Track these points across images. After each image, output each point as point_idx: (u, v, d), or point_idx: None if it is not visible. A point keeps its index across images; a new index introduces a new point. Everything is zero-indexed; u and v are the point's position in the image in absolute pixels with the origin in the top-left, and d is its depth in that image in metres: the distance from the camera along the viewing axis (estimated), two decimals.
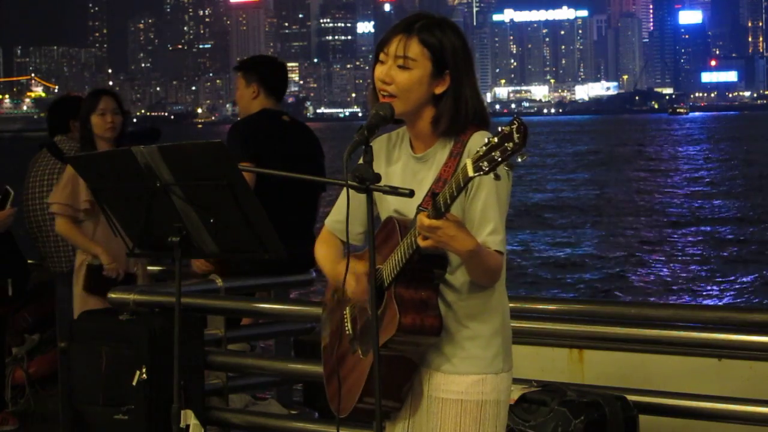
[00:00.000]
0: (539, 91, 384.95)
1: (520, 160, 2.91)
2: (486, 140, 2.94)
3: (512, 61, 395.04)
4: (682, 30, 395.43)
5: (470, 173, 2.95)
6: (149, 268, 7.36)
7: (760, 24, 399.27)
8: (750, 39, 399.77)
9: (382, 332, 3.22)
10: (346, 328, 3.44)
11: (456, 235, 3.09)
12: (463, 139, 3.29)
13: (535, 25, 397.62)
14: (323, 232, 3.60)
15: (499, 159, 2.90)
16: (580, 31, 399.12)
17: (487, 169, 2.92)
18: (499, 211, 3.26)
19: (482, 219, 3.24)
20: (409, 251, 3.17)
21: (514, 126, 2.89)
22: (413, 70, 3.29)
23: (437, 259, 3.24)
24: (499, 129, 2.93)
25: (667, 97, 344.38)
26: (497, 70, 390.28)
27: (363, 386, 3.30)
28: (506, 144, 2.89)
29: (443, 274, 3.28)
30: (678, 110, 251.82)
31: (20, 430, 6.98)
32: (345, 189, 3.45)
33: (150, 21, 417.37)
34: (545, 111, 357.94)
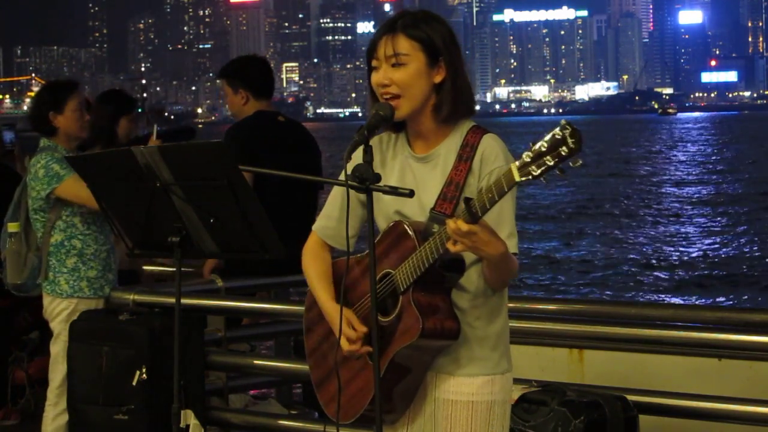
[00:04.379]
0: (539, 91, 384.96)
1: (572, 165, 2.86)
2: (531, 145, 2.89)
3: (512, 61, 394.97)
4: (682, 30, 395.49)
5: (516, 178, 2.91)
6: (146, 267, 7.37)
7: (760, 24, 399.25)
8: (750, 39, 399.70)
9: (401, 338, 3.20)
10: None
11: (490, 240, 3.06)
12: (471, 142, 3.27)
13: (535, 25, 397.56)
14: (311, 240, 3.53)
15: (552, 164, 2.86)
16: (580, 31, 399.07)
17: (537, 174, 2.88)
18: (513, 214, 3.27)
19: (499, 222, 3.21)
20: (432, 257, 3.14)
21: (567, 131, 2.84)
22: (408, 65, 3.27)
23: (456, 263, 3.22)
24: (545, 134, 2.88)
25: (667, 97, 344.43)
26: (497, 70, 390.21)
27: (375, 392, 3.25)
28: (560, 149, 2.84)
29: (459, 278, 3.26)
30: (668, 110, 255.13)
31: (21, 429, 6.99)
32: (334, 191, 3.44)
33: (150, 21, 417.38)
34: (545, 111, 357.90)
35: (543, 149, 2.87)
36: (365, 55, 3.42)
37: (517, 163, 2.92)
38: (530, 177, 2.89)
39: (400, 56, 3.27)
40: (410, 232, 3.22)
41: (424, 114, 3.32)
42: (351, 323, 3.28)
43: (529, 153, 2.89)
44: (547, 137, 2.87)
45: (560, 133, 2.85)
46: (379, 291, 3.25)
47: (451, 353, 3.30)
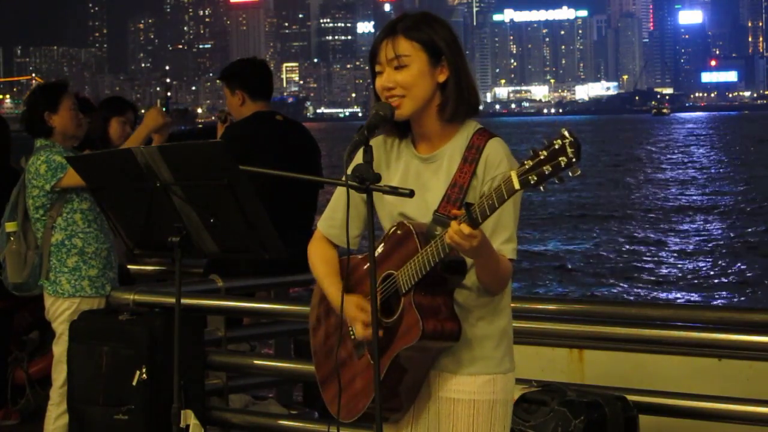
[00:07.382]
0: (539, 91, 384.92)
1: (571, 174, 2.86)
2: (531, 152, 2.90)
3: (512, 61, 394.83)
4: (682, 30, 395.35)
5: (516, 186, 2.92)
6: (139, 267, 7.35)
7: (760, 24, 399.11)
8: (750, 39, 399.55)
9: (401, 339, 3.20)
10: (351, 332, 3.38)
11: (486, 244, 3.09)
12: (477, 144, 3.27)
13: (535, 25, 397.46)
14: (316, 237, 3.53)
15: (550, 173, 2.86)
16: (580, 31, 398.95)
17: (535, 182, 2.88)
18: (514, 219, 3.27)
19: (498, 226, 3.23)
20: (434, 260, 3.14)
21: (567, 141, 2.84)
22: (410, 66, 3.28)
23: (457, 265, 3.23)
24: (545, 142, 2.88)
25: (667, 97, 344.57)
26: (497, 70, 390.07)
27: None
28: (559, 158, 2.85)
29: (461, 280, 3.26)
30: (662, 111, 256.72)
31: (21, 429, 6.99)
32: (338, 190, 3.44)
33: (150, 21, 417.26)
34: (545, 111, 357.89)
35: (542, 157, 2.87)
36: (368, 59, 3.41)
37: (517, 170, 2.92)
38: (529, 185, 2.90)
39: (402, 58, 3.28)
40: (413, 234, 3.23)
41: (428, 114, 3.32)
42: (362, 307, 3.28)
43: (529, 161, 2.90)
44: (548, 145, 2.88)
45: (560, 143, 2.86)
46: (381, 292, 3.26)
47: (453, 352, 3.31)
